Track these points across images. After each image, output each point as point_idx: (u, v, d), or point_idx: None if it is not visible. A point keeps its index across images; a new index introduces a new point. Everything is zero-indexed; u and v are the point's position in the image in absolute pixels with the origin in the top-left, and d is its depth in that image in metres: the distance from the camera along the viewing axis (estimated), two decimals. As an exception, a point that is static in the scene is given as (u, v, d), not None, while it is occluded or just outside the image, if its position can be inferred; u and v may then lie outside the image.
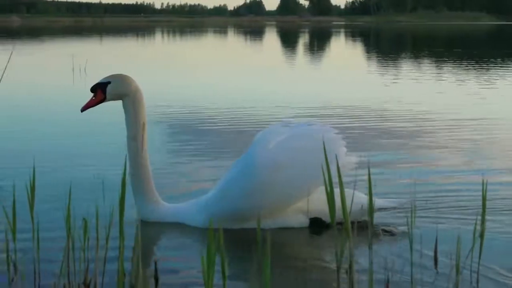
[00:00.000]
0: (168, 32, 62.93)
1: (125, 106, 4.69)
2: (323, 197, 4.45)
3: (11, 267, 3.62)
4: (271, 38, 51.20)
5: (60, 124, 9.10)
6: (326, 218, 4.57)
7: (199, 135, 8.20)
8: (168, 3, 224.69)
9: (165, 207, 4.80)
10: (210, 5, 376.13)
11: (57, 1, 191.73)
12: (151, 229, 4.64)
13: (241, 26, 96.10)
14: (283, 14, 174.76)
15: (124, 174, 3.25)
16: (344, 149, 4.62)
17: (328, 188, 3.27)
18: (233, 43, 41.58)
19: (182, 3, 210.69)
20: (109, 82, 4.66)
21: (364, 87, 14.27)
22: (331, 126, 4.82)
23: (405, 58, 25.65)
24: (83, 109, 4.74)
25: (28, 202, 3.52)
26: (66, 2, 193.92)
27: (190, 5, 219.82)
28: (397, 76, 17.03)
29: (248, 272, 3.77)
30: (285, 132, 4.66)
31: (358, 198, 4.57)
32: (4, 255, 3.61)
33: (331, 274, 3.84)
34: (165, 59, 24.77)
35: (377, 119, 9.57)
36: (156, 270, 3.58)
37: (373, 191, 3.33)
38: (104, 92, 4.66)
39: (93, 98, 4.71)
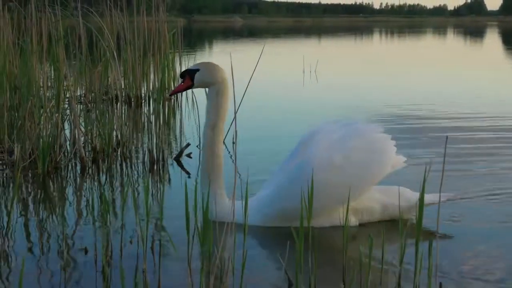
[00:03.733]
0: (386, 32, 62.58)
1: (209, 94, 4.72)
2: (374, 196, 4.62)
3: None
4: (493, 38, 49.41)
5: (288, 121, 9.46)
6: (376, 216, 4.68)
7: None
8: (387, 3, 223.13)
9: (226, 204, 4.69)
10: (429, 5, 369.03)
11: (278, 2, 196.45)
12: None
13: (461, 26, 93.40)
14: (506, 14, 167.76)
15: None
16: (394, 148, 4.62)
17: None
18: (451, 44, 40.66)
19: (401, 3, 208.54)
20: (198, 69, 4.69)
21: None
22: (376, 125, 4.83)
23: None
24: (171, 94, 5.10)
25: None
26: (286, 2, 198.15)
27: (409, 5, 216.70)
28: None
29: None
30: (335, 131, 4.67)
31: (404, 195, 4.64)
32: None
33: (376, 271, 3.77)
34: (386, 58, 24.79)
35: None
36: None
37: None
38: (192, 78, 4.71)
39: (182, 83, 4.78)
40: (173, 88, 11.71)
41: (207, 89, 4.82)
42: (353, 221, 4.65)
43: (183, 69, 12.14)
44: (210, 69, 4.70)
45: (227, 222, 3.83)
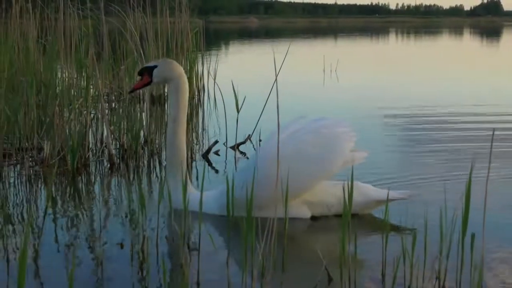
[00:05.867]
0: (402, 33, 62.31)
1: (169, 90, 4.91)
2: (328, 190, 4.61)
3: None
4: (510, 41, 49.09)
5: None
6: (329, 209, 4.62)
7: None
8: (403, 4, 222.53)
9: (191, 195, 4.69)
10: (446, 5, 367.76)
11: (294, 2, 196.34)
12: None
13: (477, 26, 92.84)
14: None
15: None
16: (351, 144, 4.59)
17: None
18: (468, 44, 40.45)
19: (418, 3, 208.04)
20: (155, 66, 4.87)
21: None
22: (346, 120, 4.80)
23: None
24: (130, 91, 5.22)
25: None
26: (302, 3, 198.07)
27: (426, 5, 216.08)
28: None
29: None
30: (297, 126, 4.72)
31: (362, 190, 4.61)
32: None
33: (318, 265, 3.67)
34: (405, 59, 24.70)
35: None
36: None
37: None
38: (150, 75, 4.89)
39: (140, 80, 4.96)
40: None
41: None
42: (306, 213, 4.66)
43: (205, 68, 12.20)
44: (168, 65, 4.87)
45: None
